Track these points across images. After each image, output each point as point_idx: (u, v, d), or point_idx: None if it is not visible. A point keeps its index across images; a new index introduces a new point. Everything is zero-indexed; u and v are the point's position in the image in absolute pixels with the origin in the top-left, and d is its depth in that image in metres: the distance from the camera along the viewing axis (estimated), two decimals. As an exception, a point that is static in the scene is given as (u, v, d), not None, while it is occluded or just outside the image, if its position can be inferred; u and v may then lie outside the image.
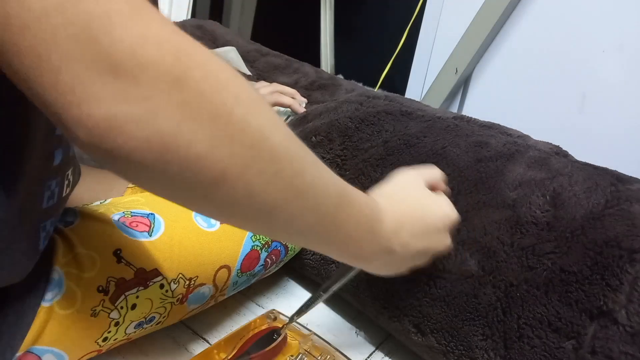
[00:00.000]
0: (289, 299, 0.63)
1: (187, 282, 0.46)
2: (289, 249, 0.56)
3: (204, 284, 0.48)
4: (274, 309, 0.55)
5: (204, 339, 0.54)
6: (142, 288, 0.43)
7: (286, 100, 0.72)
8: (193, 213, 0.48)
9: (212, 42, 0.88)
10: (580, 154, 0.59)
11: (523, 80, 1.11)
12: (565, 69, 1.04)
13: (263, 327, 0.52)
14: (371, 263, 0.38)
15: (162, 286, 0.44)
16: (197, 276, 0.47)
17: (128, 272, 0.42)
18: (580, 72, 1.02)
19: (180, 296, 0.46)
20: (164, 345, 0.52)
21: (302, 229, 0.30)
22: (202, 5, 2.04)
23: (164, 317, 0.46)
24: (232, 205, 0.26)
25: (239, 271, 0.50)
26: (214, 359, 0.48)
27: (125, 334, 0.44)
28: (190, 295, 0.47)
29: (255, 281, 0.56)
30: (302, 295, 0.65)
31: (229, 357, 0.48)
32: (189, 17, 1.51)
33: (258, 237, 0.51)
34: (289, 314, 0.51)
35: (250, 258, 0.51)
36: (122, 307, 0.42)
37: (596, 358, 0.39)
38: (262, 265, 0.53)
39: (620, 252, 0.41)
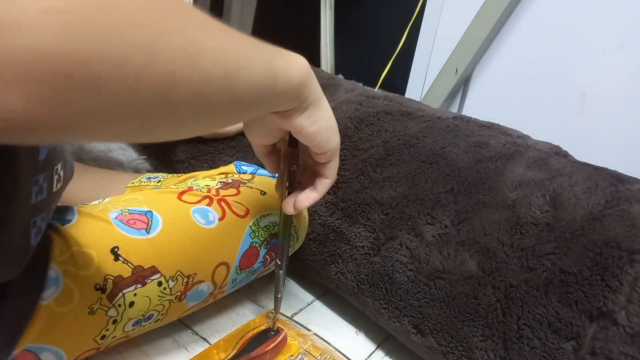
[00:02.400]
0: (289, 299, 0.63)
1: (186, 280, 0.46)
2: (289, 245, 0.56)
3: (203, 281, 0.48)
4: (273, 309, 0.55)
5: (204, 339, 0.54)
6: (140, 286, 0.43)
7: None
8: (191, 210, 0.48)
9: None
10: (580, 154, 0.59)
11: (523, 80, 1.11)
12: (565, 69, 1.04)
13: (262, 327, 0.53)
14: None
15: (160, 284, 0.44)
16: (196, 273, 0.46)
17: (125, 270, 0.42)
18: (580, 72, 1.02)
19: (179, 293, 0.46)
20: (164, 345, 0.52)
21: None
22: (202, 6, 2.04)
23: (162, 315, 0.46)
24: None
25: (237, 268, 0.50)
26: (214, 359, 0.48)
27: (124, 332, 0.44)
28: (189, 292, 0.47)
29: (255, 279, 0.56)
30: (302, 295, 0.65)
31: (228, 357, 0.48)
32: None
33: (257, 234, 0.51)
34: (289, 314, 0.51)
35: (249, 255, 0.51)
36: (119, 305, 0.42)
37: (596, 359, 0.39)
38: (262, 262, 0.53)
39: (620, 252, 0.41)
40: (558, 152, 0.57)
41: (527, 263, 0.44)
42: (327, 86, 0.78)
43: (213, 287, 0.49)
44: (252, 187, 0.55)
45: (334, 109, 0.66)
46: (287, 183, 0.47)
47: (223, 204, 0.51)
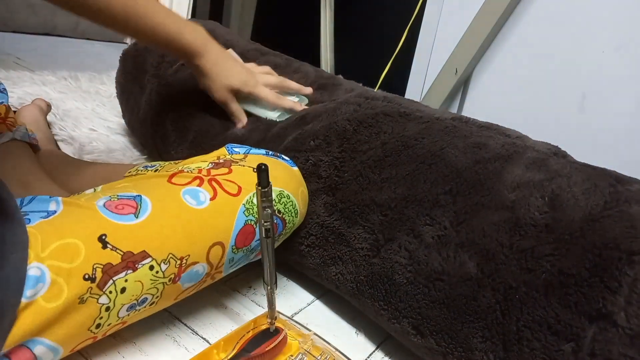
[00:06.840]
0: (289, 299, 0.64)
1: (179, 262, 0.45)
2: (287, 222, 0.55)
3: (197, 262, 0.47)
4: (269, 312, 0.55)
5: (204, 339, 0.54)
6: (131, 271, 0.42)
7: (294, 85, 0.75)
8: (181, 192, 0.48)
9: (212, 42, 0.87)
10: (580, 154, 0.59)
11: (523, 81, 1.11)
12: (565, 69, 1.04)
13: (263, 327, 0.53)
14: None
15: (151, 268, 0.43)
16: (189, 255, 0.46)
17: (114, 257, 0.41)
18: (580, 72, 1.02)
19: (173, 276, 0.45)
20: (164, 345, 0.52)
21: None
22: (202, 5, 2.04)
23: (157, 298, 0.46)
24: None
25: (233, 247, 0.50)
26: (214, 359, 0.48)
27: (119, 317, 0.43)
28: (183, 274, 0.46)
29: (256, 258, 0.55)
30: (302, 295, 0.65)
31: (228, 357, 0.48)
32: (189, 17, 1.50)
33: (252, 212, 0.51)
34: (289, 314, 0.51)
35: (245, 233, 0.50)
36: (111, 292, 0.41)
37: (595, 360, 0.39)
38: (259, 240, 0.52)
39: (619, 254, 0.41)
40: (557, 153, 0.57)
41: (526, 264, 0.44)
42: (327, 86, 0.78)
43: (209, 267, 0.49)
44: (244, 165, 0.54)
45: (333, 111, 0.66)
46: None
47: (214, 183, 0.50)
